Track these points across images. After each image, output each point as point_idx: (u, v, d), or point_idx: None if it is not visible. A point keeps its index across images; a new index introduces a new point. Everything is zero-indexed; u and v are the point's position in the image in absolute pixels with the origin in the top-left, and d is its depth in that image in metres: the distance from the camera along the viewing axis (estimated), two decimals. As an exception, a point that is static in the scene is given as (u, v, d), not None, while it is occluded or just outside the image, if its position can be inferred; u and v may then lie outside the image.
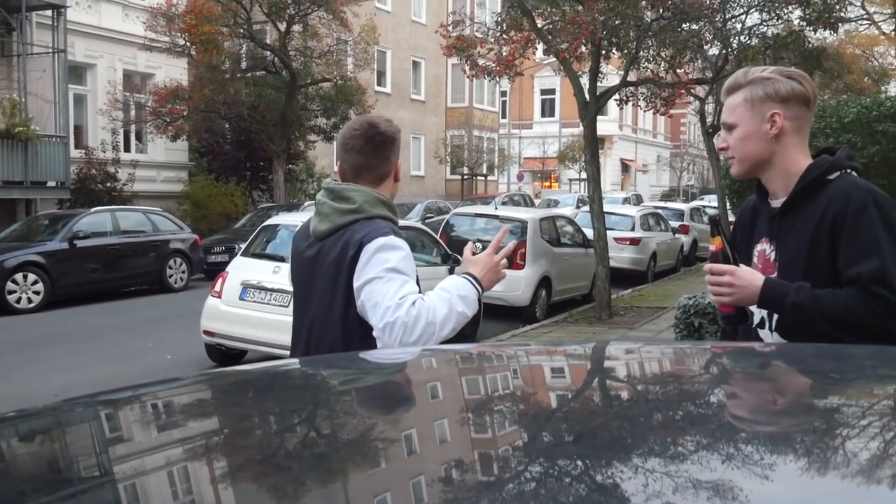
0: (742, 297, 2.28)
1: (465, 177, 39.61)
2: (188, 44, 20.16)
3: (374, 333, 2.46)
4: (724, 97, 2.40)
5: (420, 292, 2.52)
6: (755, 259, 2.43)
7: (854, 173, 2.31)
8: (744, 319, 2.37)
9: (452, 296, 2.50)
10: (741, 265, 2.35)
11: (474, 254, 2.73)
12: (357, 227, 2.59)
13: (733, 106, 2.35)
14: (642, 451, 1.04)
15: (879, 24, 38.63)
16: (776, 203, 2.37)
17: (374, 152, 2.68)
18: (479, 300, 2.62)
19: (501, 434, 1.18)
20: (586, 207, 16.85)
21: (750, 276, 2.28)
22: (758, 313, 2.38)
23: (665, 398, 1.36)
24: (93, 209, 15.52)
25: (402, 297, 2.43)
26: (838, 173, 2.29)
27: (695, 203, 31.19)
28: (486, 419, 1.27)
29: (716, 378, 1.56)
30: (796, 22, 14.09)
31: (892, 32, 37.60)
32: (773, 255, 2.36)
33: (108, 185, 20.17)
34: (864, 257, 2.14)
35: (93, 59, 21.32)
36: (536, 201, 35.83)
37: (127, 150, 22.14)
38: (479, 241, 12.92)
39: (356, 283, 2.51)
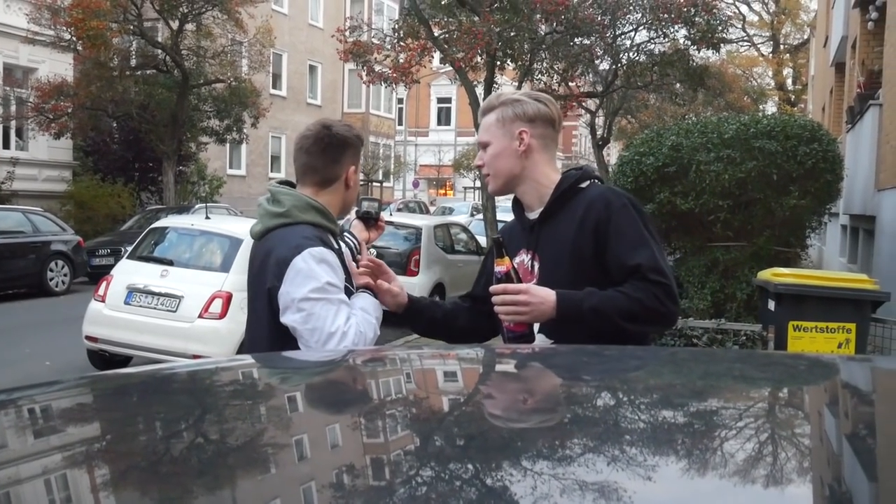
0: (539, 312, 2.27)
1: (361, 183, 39.41)
2: (74, 39, 19.42)
3: None
4: (480, 118, 2.53)
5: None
6: None
7: (599, 183, 2.49)
8: (532, 337, 2.37)
9: (372, 318, 2.56)
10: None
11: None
12: (281, 233, 2.53)
13: (486, 125, 2.46)
14: (531, 453, 1.06)
15: (758, 45, 40.63)
16: (533, 215, 2.47)
17: (322, 154, 2.62)
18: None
19: (393, 438, 1.18)
20: (480, 215, 17.04)
21: (543, 292, 2.28)
22: None
23: (544, 399, 1.39)
24: (-33, 208, 14.77)
25: (346, 323, 2.42)
26: (588, 182, 2.45)
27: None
28: (376, 423, 1.26)
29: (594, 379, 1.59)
30: (681, 41, 14.67)
31: (770, 55, 39.53)
32: (531, 265, 2.43)
33: (-15, 183, 19.24)
34: (636, 249, 2.28)
35: (-31, 50, 20.34)
36: (431, 209, 36.04)
37: (6, 146, 21.17)
38: (374, 247, 12.91)
39: (284, 297, 2.43)
